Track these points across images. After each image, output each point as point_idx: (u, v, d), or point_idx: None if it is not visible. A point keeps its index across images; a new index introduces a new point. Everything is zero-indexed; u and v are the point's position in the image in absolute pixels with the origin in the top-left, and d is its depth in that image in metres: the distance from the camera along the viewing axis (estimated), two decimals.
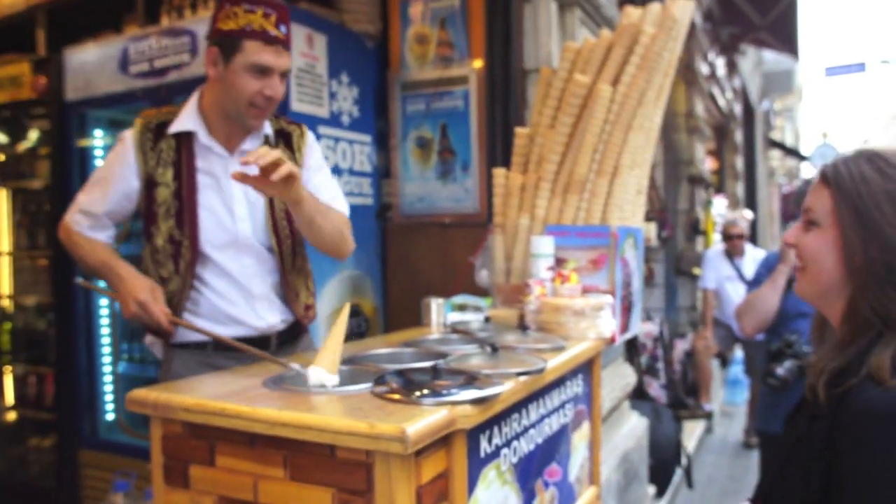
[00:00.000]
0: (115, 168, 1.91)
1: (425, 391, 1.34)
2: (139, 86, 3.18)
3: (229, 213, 1.92)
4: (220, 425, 1.34)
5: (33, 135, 3.74)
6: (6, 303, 3.83)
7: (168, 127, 1.90)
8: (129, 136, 1.92)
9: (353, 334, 3.18)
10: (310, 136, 2.10)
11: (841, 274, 1.13)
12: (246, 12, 1.78)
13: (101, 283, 2.01)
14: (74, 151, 3.49)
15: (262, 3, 1.80)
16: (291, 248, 2.03)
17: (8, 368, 3.84)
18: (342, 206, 2.07)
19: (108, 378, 3.54)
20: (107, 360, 3.54)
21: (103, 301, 3.52)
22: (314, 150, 2.10)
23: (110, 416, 3.55)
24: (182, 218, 1.89)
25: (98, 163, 3.51)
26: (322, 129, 2.94)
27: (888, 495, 0.99)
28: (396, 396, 1.34)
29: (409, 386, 1.38)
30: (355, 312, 3.22)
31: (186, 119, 1.90)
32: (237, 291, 1.95)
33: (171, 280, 1.92)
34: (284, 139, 2.02)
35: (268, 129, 1.98)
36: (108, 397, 3.55)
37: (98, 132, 3.54)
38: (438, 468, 1.31)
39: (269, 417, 1.28)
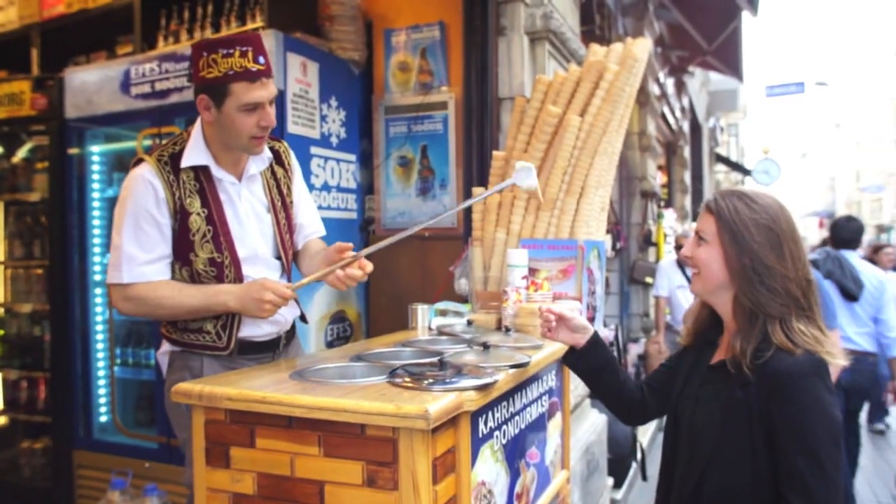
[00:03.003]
0: (151, 208, 1.95)
1: (435, 380, 1.60)
2: (140, 106, 3.37)
3: (245, 231, 2.08)
4: (261, 411, 1.56)
5: (30, 149, 3.87)
6: None
7: (178, 159, 1.99)
8: (149, 174, 1.95)
9: (339, 338, 3.42)
10: (290, 148, 2.30)
11: (724, 276, 1.55)
12: (224, 57, 1.86)
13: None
14: (73, 166, 3.66)
15: (236, 42, 1.88)
16: (290, 259, 2.27)
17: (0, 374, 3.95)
18: (320, 227, 2.37)
19: (102, 381, 3.69)
20: (101, 364, 3.68)
21: (99, 308, 3.68)
22: (296, 163, 2.31)
23: (104, 418, 3.70)
24: (219, 241, 2.02)
25: (95, 176, 3.68)
26: (313, 150, 3.19)
27: (820, 429, 1.40)
28: (411, 384, 1.59)
29: (420, 377, 1.64)
30: (340, 318, 3.46)
31: (196, 153, 2.00)
32: None
33: None
34: (275, 157, 2.21)
35: (267, 153, 2.14)
36: (102, 400, 3.70)
37: (95, 147, 3.70)
38: (448, 444, 1.56)
39: (308, 403, 1.51)
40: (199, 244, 2.00)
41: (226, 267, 2.04)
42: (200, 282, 2.03)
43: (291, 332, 2.31)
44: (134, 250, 1.94)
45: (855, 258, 4.10)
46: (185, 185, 1.98)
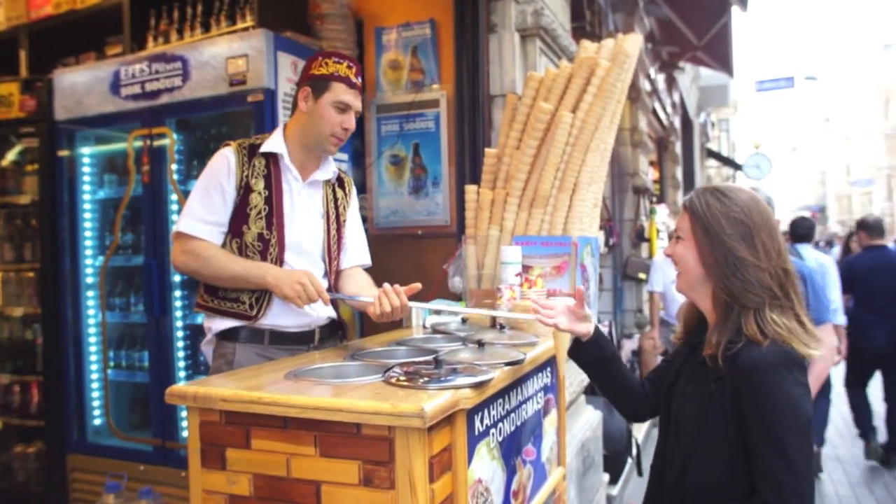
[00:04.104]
0: (222, 178, 2.21)
1: (430, 378, 1.60)
2: (130, 107, 3.35)
3: (295, 221, 2.28)
4: (256, 412, 1.55)
5: (20, 152, 3.85)
6: None
7: (256, 148, 2.26)
8: (228, 151, 2.23)
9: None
10: (353, 184, 2.58)
11: (700, 270, 1.60)
12: (335, 63, 2.22)
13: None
14: (63, 168, 3.64)
15: (346, 58, 2.26)
16: (335, 267, 2.40)
17: None
18: (367, 257, 2.53)
19: (95, 384, 3.67)
20: (95, 367, 3.67)
21: (91, 311, 3.66)
22: (355, 195, 2.57)
23: (98, 421, 3.68)
24: (271, 221, 2.23)
25: (86, 178, 3.67)
26: None
27: (786, 421, 1.43)
28: (406, 383, 1.59)
29: (415, 375, 1.64)
30: None
31: (274, 143, 2.26)
32: None
33: None
34: (339, 182, 2.46)
35: (333, 167, 2.40)
36: (96, 403, 3.68)
37: (85, 149, 3.69)
38: (444, 442, 1.55)
39: (303, 403, 1.50)
40: (254, 219, 2.22)
41: (271, 245, 2.23)
42: (247, 256, 2.23)
43: (328, 330, 2.40)
44: (197, 208, 2.21)
45: (806, 249, 4.74)
46: (256, 168, 2.24)
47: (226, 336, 2.26)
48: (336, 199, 2.42)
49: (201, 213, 2.20)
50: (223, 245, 2.23)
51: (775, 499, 1.42)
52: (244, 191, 2.22)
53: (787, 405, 1.44)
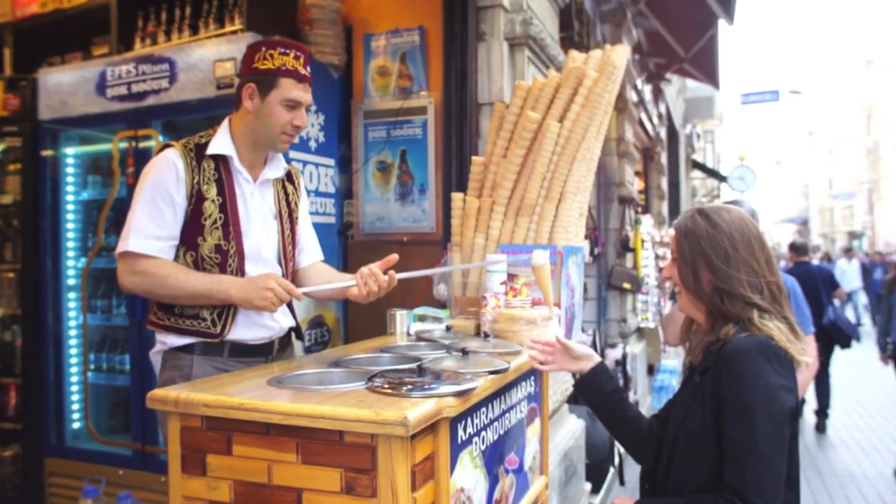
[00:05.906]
0: (171, 187, 2.03)
1: (413, 386, 1.60)
2: (116, 108, 3.33)
3: (252, 228, 2.16)
4: (238, 418, 1.55)
5: (3, 151, 3.81)
6: None
7: (203, 149, 2.09)
8: (174, 155, 2.05)
9: (317, 343, 3.40)
10: (301, 176, 2.46)
11: (695, 289, 1.63)
12: (281, 54, 2.05)
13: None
14: (46, 168, 3.61)
15: (293, 46, 2.09)
16: (290, 269, 2.31)
17: None
18: (320, 252, 2.45)
19: (75, 387, 3.63)
20: (74, 369, 3.63)
21: (72, 313, 3.63)
22: (304, 188, 2.46)
23: (77, 425, 3.64)
24: (228, 230, 2.09)
25: (69, 178, 3.64)
26: (292, 154, 3.16)
27: (757, 406, 1.44)
28: (390, 391, 1.58)
29: (399, 383, 1.64)
30: (318, 323, 3.44)
31: (222, 144, 2.11)
32: None
33: None
34: (287, 176, 2.34)
35: (283, 163, 2.29)
36: (75, 406, 3.64)
37: (69, 149, 3.66)
38: (427, 451, 1.55)
39: (286, 409, 1.50)
40: (209, 230, 2.07)
41: (230, 256, 2.10)
42: (204, 269, 2.08)
43: (286, 340, 2.33)
44: (145, 222, 2.01)
45: None
46: (205, 172, 2.08)
47: (182, 348, 2.11)
48: (287, 196, 2.30)
49: (150, 228, 2.01)
50: (175, 258, 2.07)
51: (735, 480, 1.42)
52: (196, 199, 2.05)
53: (762, 390, 1.45)
